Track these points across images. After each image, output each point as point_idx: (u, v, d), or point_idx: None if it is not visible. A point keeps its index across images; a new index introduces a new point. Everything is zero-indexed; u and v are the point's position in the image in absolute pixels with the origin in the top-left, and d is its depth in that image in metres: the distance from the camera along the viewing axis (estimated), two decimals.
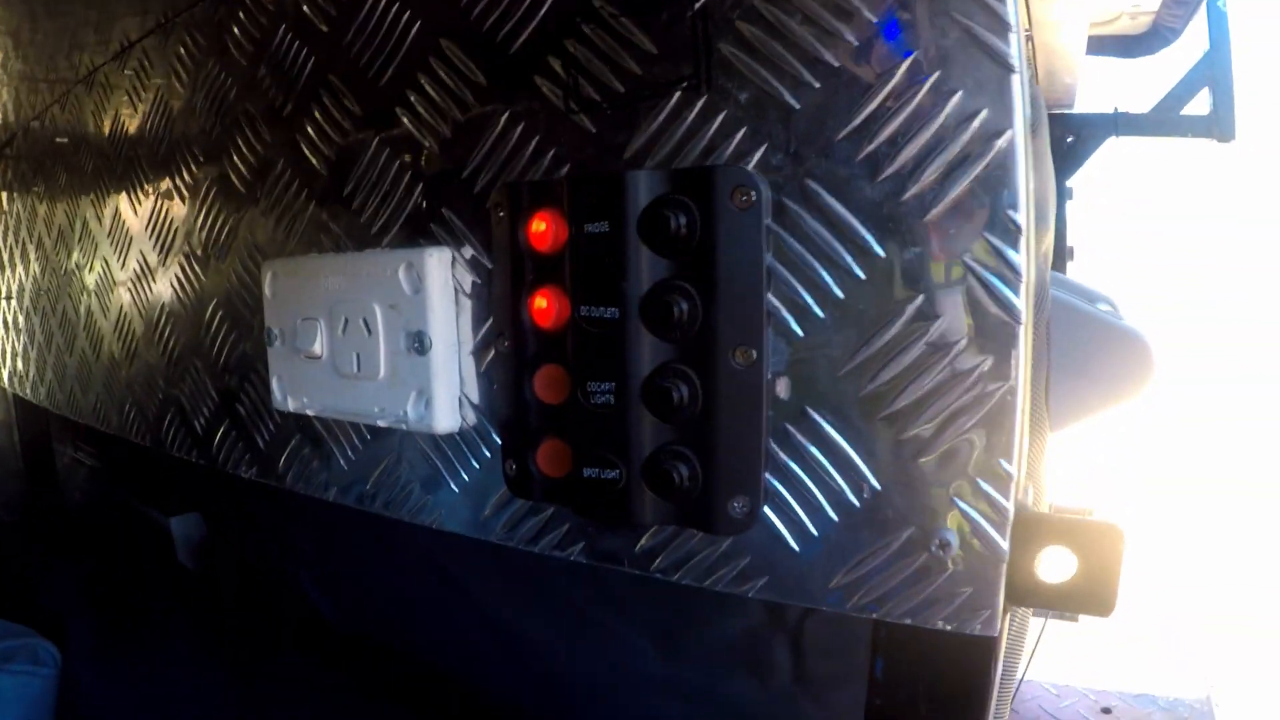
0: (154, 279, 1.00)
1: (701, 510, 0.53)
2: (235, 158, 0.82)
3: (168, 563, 1.51)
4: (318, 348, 0.69)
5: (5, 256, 1.78)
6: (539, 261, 0.56)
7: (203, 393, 0.92)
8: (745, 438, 0.52)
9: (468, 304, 0.62)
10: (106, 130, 1.17)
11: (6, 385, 1.92)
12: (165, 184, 0.96)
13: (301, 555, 1.28)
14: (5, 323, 1.83)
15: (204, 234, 0.88)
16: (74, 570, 1.50)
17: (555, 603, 0.93)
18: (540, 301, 0.56)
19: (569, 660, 0.95)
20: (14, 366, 1.82)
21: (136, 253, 1.05)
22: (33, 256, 1.63)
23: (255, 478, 0.87)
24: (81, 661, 1.25)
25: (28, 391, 1.73)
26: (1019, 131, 0.47)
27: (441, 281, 0.61)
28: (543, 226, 0.55)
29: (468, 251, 0.62)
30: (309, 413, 0.72)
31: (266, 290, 0.75)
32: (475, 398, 0.63)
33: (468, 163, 0.62)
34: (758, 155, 0.52)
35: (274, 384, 0.76)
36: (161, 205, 0.97)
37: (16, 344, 1.75)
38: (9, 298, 1.82)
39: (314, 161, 0.73)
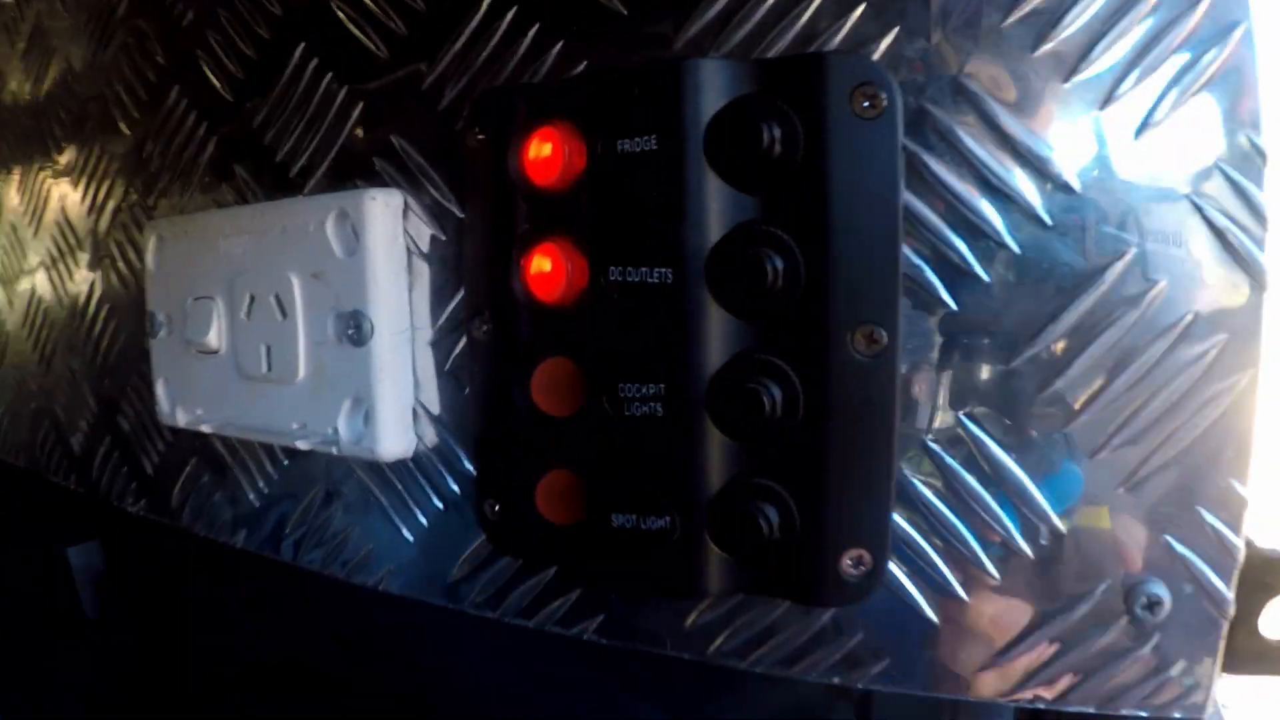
0: (23, 258, 0.79)
1: (798, 572, 0.35)
2: (119, 90, 0.62)
3: (67, 601, 1.29)
4: (213, 338, 0.49)
5: None
6: (540, 202, 0.37)
7: (80, 401, 0.71)
8: (868, 463, 0.34)
9: (425, 271, 0.43)
10: None
11: None
12: (35, 141, 0.75)
13: (211, 588, 1.07)
14: None
15: (82, 196, 0.68)
16: None
17: (545, 664, 0.73)
18: (541, 262, 0.37)
19: None
20: None
21: (5, 226, 0.84)
22: None
23: (144, 513, 0.66)
24: None
25: None
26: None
27: (388, 238, 0.41)
28: (547, 149, 0.36)
29: (427, 195, 0.43)
30: (204, 429, 0.52)
31: (149, 261, 0.55)
32: (436, 408, 0.44)
33: (430, 69, 0.42)
34: (885, 43, 0.34)
35: (159, 389, 0.56)
36: (33, 168, 0.76)
37: None
38: None
39: (216, 83, 0.53)
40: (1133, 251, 0.33)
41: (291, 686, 0.98)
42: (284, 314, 0.45)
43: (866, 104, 0.33)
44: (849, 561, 0.35)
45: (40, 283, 0.75)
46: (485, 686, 0.73)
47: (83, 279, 0.68)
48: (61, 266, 0.71)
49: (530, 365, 0.37)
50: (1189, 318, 0.33)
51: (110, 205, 0.64)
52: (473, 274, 0.39)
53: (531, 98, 0.37)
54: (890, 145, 0.33)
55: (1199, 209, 0.32)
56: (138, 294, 0.61)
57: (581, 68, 0.38)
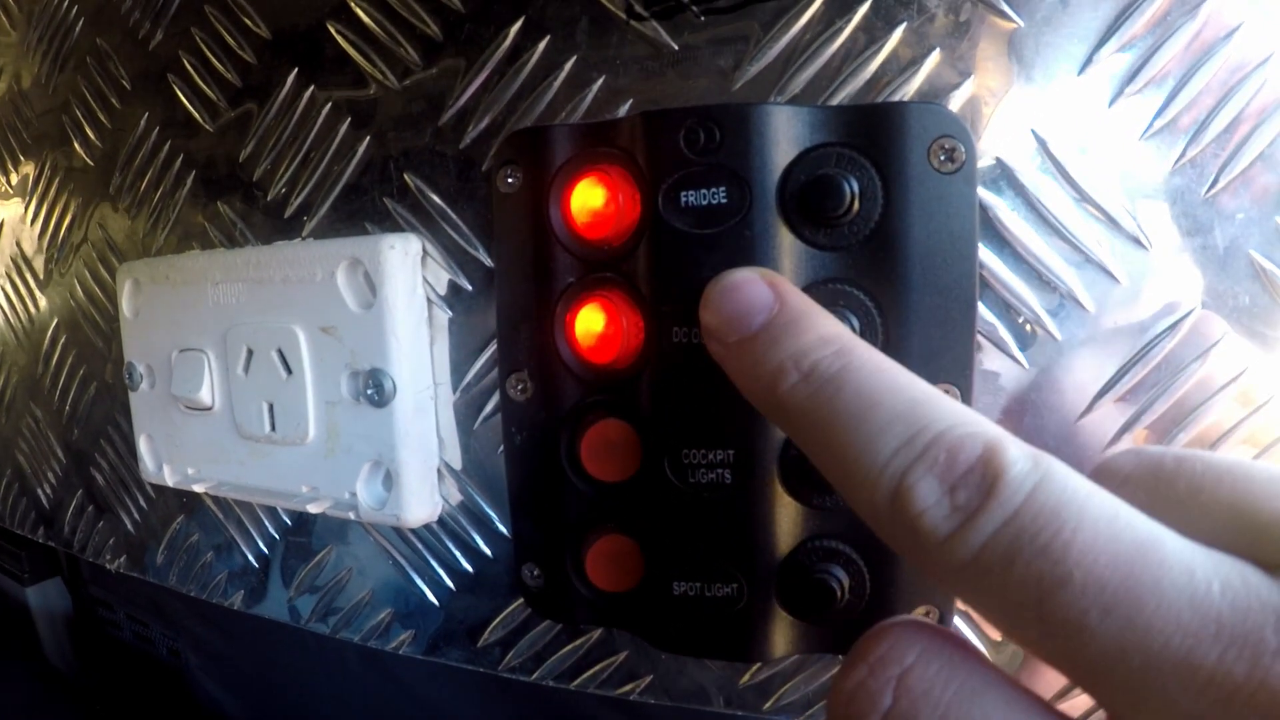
0: None
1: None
2: (80, 117, 0.58)
3: (29, 647, 1.23)
4: (206, 394, 0.46)
5: None
6: (587, 254, 0.34)
7: (45, 452, 0.67)
8: None
9: (445, 322, 0.40)
10: None
11: None
12: None
13: (191, 637, 1.01)
14: None
15: (38, 233, 0.63)
16: None
17: (546, 710, 0.70)
18: (591, 319, 0.34)
19: None
20: None
21: None
22: None
23: (124, 571, 0.62)
24: None
25: None
26: None
27: (407, 288, 0.38)
28: (597, 197, 0.33)
29: (447, 240, 0.40)
30: (196, 489, 0.49)
31: (125, 308, 0.51)
32: (460, 465, 0.41)
33: (448, 102, 0.39)
34: (961, 93, 0.32)
35: (142, 446, 0.52)
36: None
37: None
38: None
39: (195, 113, 0.49)
40: (1198, 309, 0.31)
41: None
42: (289, 370, 0.41)
43: (944, 157, 0.31)
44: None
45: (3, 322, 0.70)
46: None
47: (44, 322, 0.64)
48: (20, 307, 0.66)
49: (579, 427, 0.35)
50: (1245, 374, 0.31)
51: (73, 241, 0.60)
52: (509, 329, 0.36)
53: (577, 139, 0.34)
54: (968, 200, 0.31)
55: (1264, 268, 0.31)
56: (110, 338, 0.57)
57: (626, 107, 0.35)
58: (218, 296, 0.45)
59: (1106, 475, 0.23)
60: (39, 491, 0.69)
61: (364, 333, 0.39)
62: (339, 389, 0.40)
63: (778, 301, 0.27)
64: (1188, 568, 0.18)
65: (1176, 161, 0.31)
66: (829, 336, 0.25)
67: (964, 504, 0.20)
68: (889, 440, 0.22)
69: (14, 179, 0.65)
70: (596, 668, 0.40)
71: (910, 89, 0.32)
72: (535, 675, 0.42)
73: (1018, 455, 0.20)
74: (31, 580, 1.29)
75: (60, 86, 0.59)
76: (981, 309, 0.32)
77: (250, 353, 0.43)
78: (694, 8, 0.34)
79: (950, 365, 0.31)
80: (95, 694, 1.13)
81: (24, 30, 0.65)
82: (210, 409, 0.46)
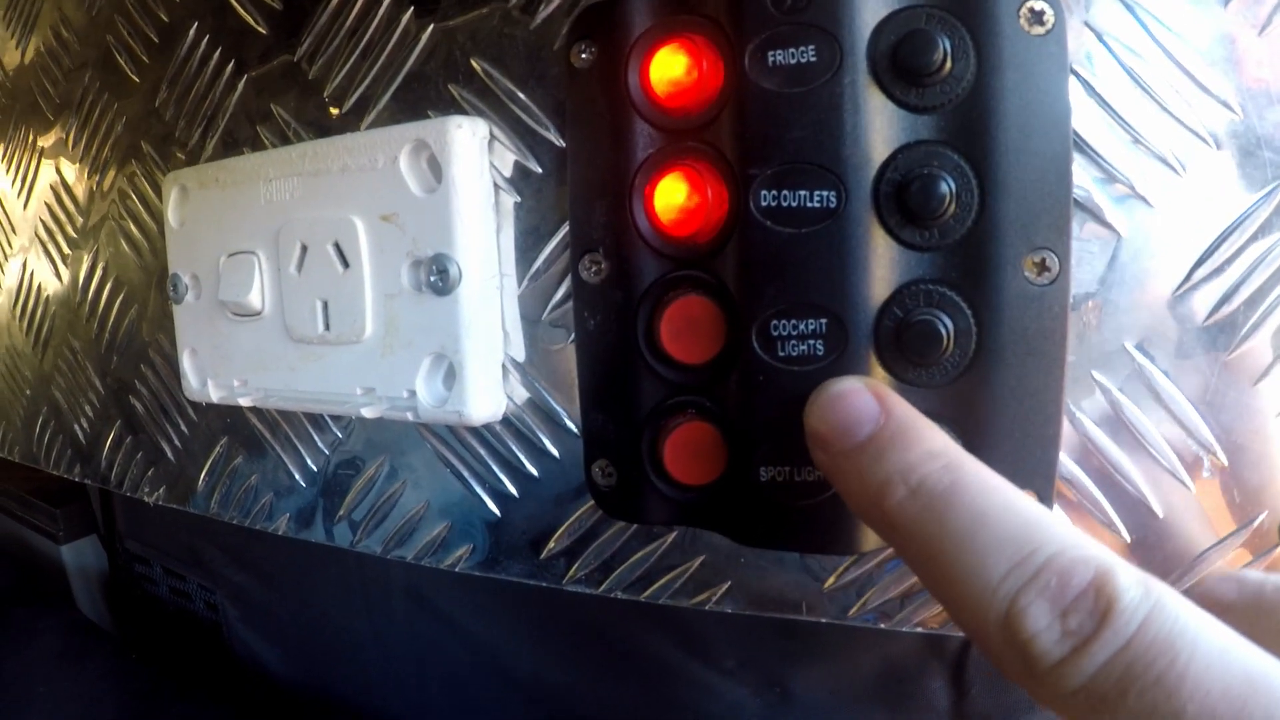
0: (12, 234, 0.73)
1: None
2: (125, 35, 0.57)
3: (63, 602, 1.23)
4: (255, 297, 0.45)
5: None
6: (668, 124, 0.33)
7: (83, 384, 0.66)
8: (1041, 399, 0.31)
9: (511, 207, 0.39)
10: None
11: None
12: (22, 105, 0.70)
13: (229, 587, 1.01)
14: None
15: (80, 157, 0.62)
16: None
17: (601, 643, 0.69)
18: (672, 191, 0.33)
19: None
20: None
21: None
22: None
23: (164, 503, 0.62)
24: None
25: None
26: None
27: (474, 171, 0.37)
28: (678, 65, 0.32)
29: (515, 122, 0.38)
30: (243, 402, 0.48)
31: (171, 217, 0.51)
32: (526, 359, 0.40)
33: None
34: None
35: (185, 361, 0.51)
36: (20, 135, 0.71)
37: None
38: None
39: (246, 16, 0.48)
40: None
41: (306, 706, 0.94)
42: (345, 264, 0.40)
43: (1035, 20, 0.30)
44: None
45: (32, 260, 0.70)
46: (544, 662, 0.69)
47: (83, 250, 0.63)
48: (59, 238, 0.66)
49: (657, 306, 0.34)
50: None
51: (115, 164, 0.59)
52: (582, 209, 0.35)
53: (655, 7, 0.33)
54: (1059, 63, 0.30)
55: None
56: (152, 260, 0.57)
57: None
58: (270, 194, 0.44)
59: (1208, 602, 0.24)
60: (76, 427, 0.69)
61: (428, 218, 0.38)
62: (399, 279, 0.39)
63: (884, 413, 0.27)
64: None
65: (1261, 30, 0.30)
66: (937, 450, 0.26)
67: (1076, 629, 0.21)
68: (1000, 561, 0.22)
69: (60, 113, 0.65)
70: (669, 576, 0.39)
71: None
72: (602, 587, 0.41)
73: (1130, 582, 0.21)
74: (67, 538, 1.30)
75: (104, 7, 0.59)
76: (1076, 175, 0.31)
77: (304, 249, 0.43)
78: None
79: (1048, 232, 0.30)
80: (132, 649, 1.14)
81: None
82: (259, 313, 0.45)
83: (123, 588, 1.25)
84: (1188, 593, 0.23)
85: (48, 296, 0.69)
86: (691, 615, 0.57)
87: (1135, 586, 0.21)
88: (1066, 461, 0.33)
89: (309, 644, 0.93)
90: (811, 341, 0.31)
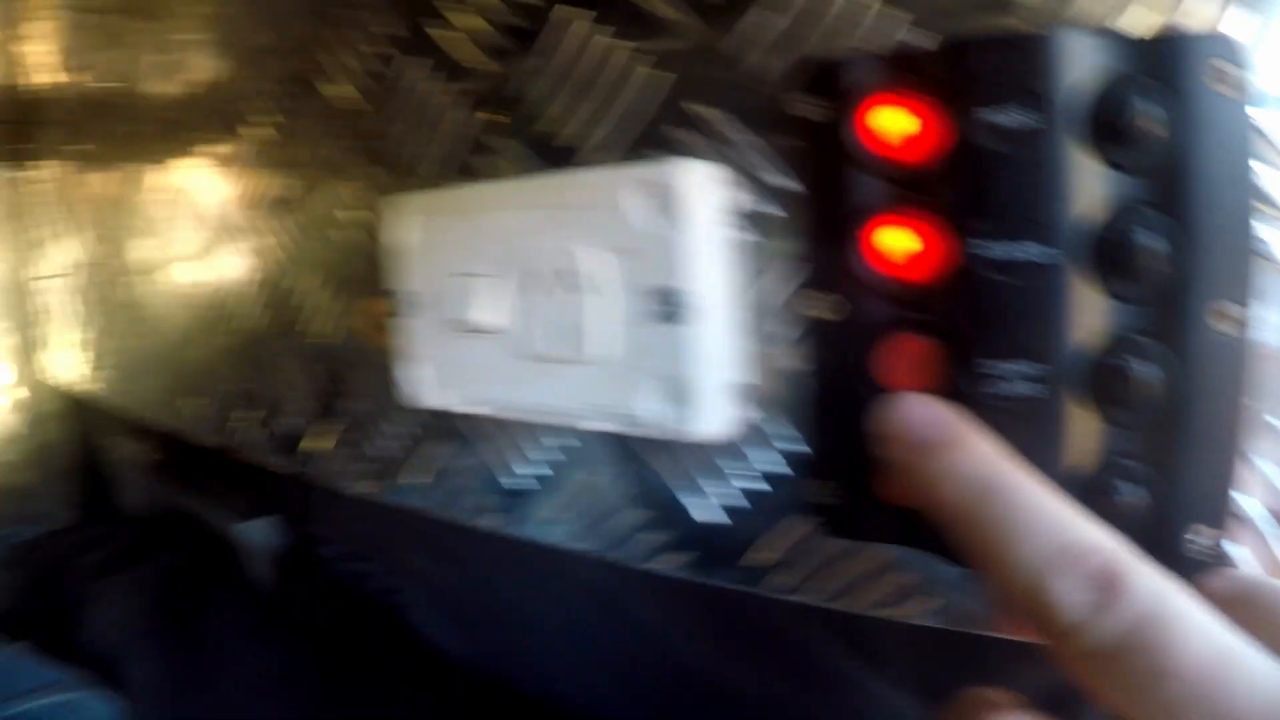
0: (224, 248, 0.84)
1: (1146, 546, 0.37)
2: (340, 59, 0.66)
3: (239, 578, 1.37)
4: (483, 316, 0.52)
5: (48, 235, 1.71)
6: (891, 175, 0.39)
7: (289, 383, 0.76)
8: (1224, 436, 0.36)
9: (738, 243, 0.45)
10: (157, 69, 1.03)
11: (50, 377, 1.86)
12: (219, 121, 0.80)
13: (415, 574, 1.12)
14: (49, 310, 1.76)
15: (288, 179, 0.72)
16: (131, 589, 1.36)
17: (773, 645, 0.76)
18: (898, 238, 0.39)
19: None
20: (60, 357, 1.75)
21: (193, 221, 0.90)
22: (79, 234, 1.54)
23: (371, 497, 0.71)
24: (145, 709, 1.11)
25: (76, 382, 1.63)
26: None
27: (704, 209, 0.44)
28: (904, 122, 0.38)
29: (738, 165, 0.45)
30: (465, 410, 0.56)
31: (393, 239, 0.59)
32: (748, 383, 0.47)
33: (732, 29, 0.45)
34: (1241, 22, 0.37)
35: (408, 370, 0.59)
36: (223, 148, 0.81)
37: (62, 331, 1.65)
38: (51, 281, 1.75)
39: (457, 54, 0.57)
40: None
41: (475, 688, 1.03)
42: (575, 290, 0.48)
43: (1226, 82, 0.35)
44: (1192, 537, 0.36)
45: (239, 262, 0.80)
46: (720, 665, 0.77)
47: (292, 256, 0.73)
48: (273, 243, 0.75)
49: (879, 342, 0.40)
50: None
51: (329, 180, 0.68)
52: (811, 248, 0.41)
53: (882, 68, 0.39)
54: (1245, 124, 0.34)
55: None
56: (365, 270, 0.66)
57: (904, 32, 0.40)
58: (499, 223, 0.51)
59: (1206, 592, 0.30)
60: (275, 423, 0.79)
61: (659, 252, 0.44)
62: (628, 308, 0.45)
63: (945, 419, 0.35)
64: (1262, 671, 0.26)
65: None
66: (986, 454, 0.34)
67: (1089, 601, 0.28)
68: (1035, 546, 0.30)
69: (256, 128, 0.75)
70: (883, 587, 0.45)
71: (1193, 16, 0.36)
72: (816, 597, 0.47)
73: (1140, 569, 0.28)
74: (250, 516, 1.44)
75: (312, 37, 0.68)
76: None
77: (533, 276, 0.50)
78: None
79: (1233, 282, 0.35)
80: (308, 625, 1.26)
81: None
82: (490, 331, 0.53)
83: (301, 568, 1.38)
84: (1188, 584, 0.29)
85: (257, 297, 0.79)
86: (865, 622, 0.63)
87: (1139, 571, 0.28)
88: (1243, 499, 0.38)
89: (493, 632, 1.03)
90: (1021, 382, 0.37)
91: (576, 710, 0.95)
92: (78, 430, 2.11)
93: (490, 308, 0.52)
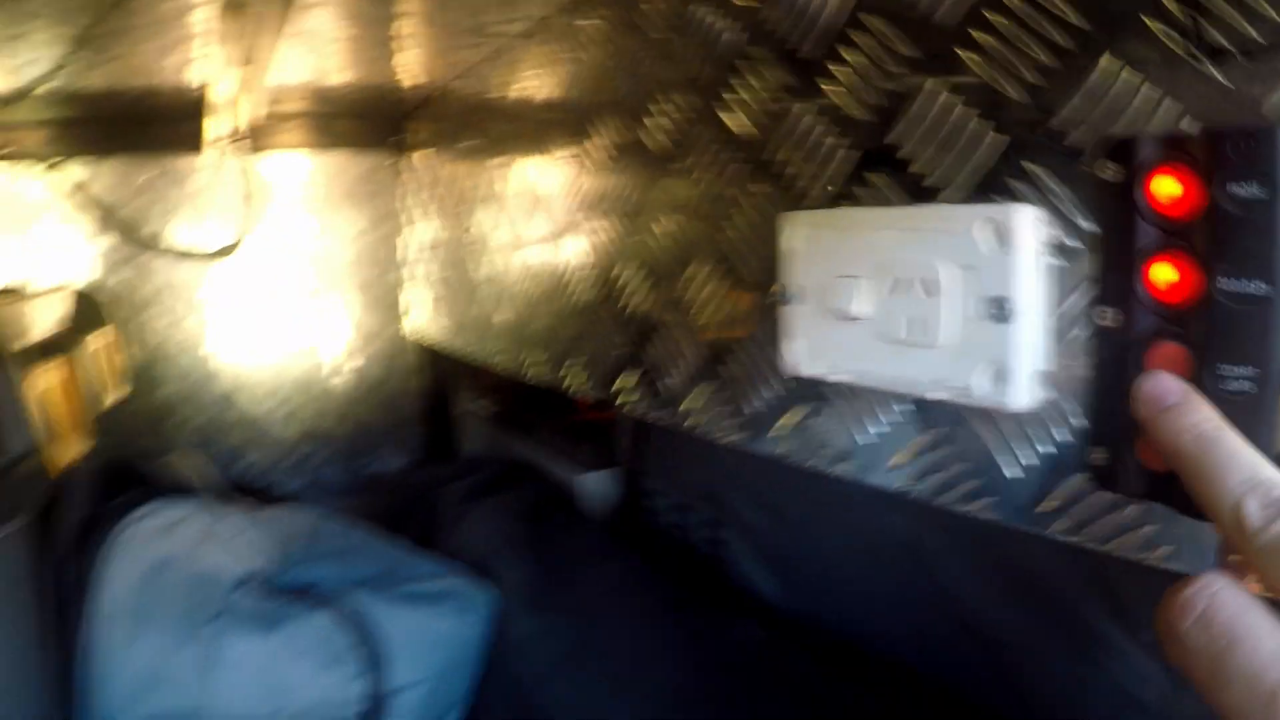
0: (570, 236, 1.14)
1: None
2: (740, 96, 0.92)
3: (579, 521, 1.70)
4: (857, 308, 0.76)
5: (416, 213, 2.10)
6: (1163, 225, 0.59)
7: (677, 351, 1.04)
8: None
9: (1051, 268, 0.67)
10: (522, 93, 1.39)
11: (411, 333, 2.26)
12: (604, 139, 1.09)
13: (739, 523, 1.40)
14: (414, 276, 2.16)
15: (697, 178, 1.00)
16: (495, 512, 1.71)
17: (1051, 606, 0.97)
18: (1163, 272, 0.59)
19: (1066, 681, 0.99)
20: (420, 316, 2.14)
21: (545, 210, 1.22)
22: (440, 214, 1.93)
23: (739, 445, 0.96)
24: (514, 607, 1.43)
25: (432, 337, 2.00)
26: None
27: (1031, 242, 0.65)
28: (1172, 186, 0.58)
29: (1055, 210, 0.66)
30: (832, 379, 0.80)
31: (786, 245, 0.83)
32: (1051, 369, 0.67)
33: (1057, 111, 0.66)
34: None
35: (788, 346, 0.83)
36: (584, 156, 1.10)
37: (424, 296, 2.05)
38: (417, 253, 2.17)
39: (851, 110, 0.81)
40: None
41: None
42: (928, 294, 0.71)
43: None
44: None
45: (581, 246, 1.09)
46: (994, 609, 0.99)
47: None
48: (609, 236, 1.03)
49: (1146, 347, 0.59)
50: None
51: (729, 192, 0.95)
52: (1103, 276, 0.62)
53: (1158, 145, 0.58)
54: None
55: None
56: (761, 274, 0.92)
57: (1183, 122, 0.59)
58: (874, 239, 0.74)
59: None
60: (665, 381, 1.07)
61: (995, 270, 0.64)
62: (969, 309, 0.66)
63: (1183, 388, 0.55)
64: None
65: None
66: (1207, 414, 0.53)
67: (1270, 514, 0.45)
68: (1237, 478, 0.48)
69: (687, 150, 1.03)
70: (1131, 534, 0.63)
71: None
72: (1079, 537, 0.67)
73: None
74: (590, 468, 1.77)
75: (720, 75, 0.95)
76: None
77: (896, 281, 0.73)
78: (1236, 53, 0.58)
79: None
80: (644, 555, 1.57)
81: (665, 34, 1.01)
82: (858, 319, 0.76)
83: (631, 516, 1.69)
84: None
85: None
86: (1129, 588, 0.83)
87: None
88: None
89: (808, 576, 1.28)
90: (1246, 381, 0.56)
91: (874, 648, 1.19)
92: (429, 382, 2.56)
93: (864, 302, 0.76)
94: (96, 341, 1.78)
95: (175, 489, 1.53)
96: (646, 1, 1.05)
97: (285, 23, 1.34)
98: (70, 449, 1.33)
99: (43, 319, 1.52)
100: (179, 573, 1.28)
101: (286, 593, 1.33)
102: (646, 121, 1.03)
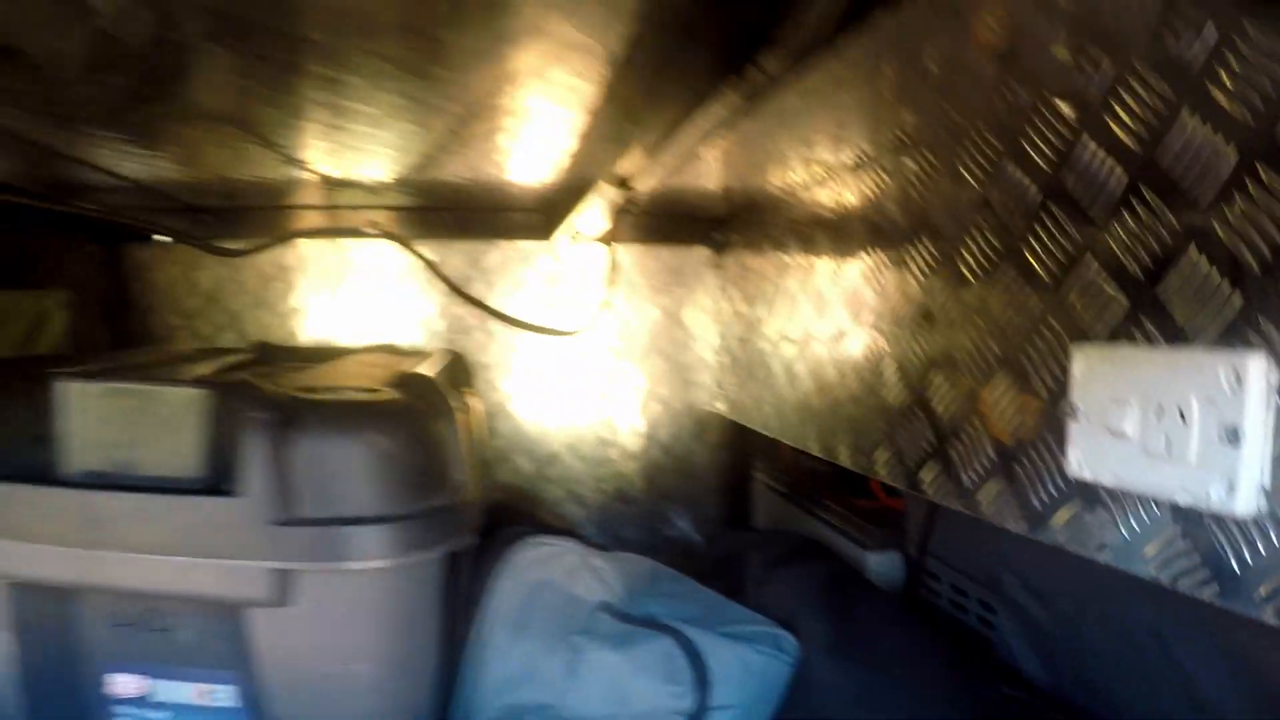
0: (853, 334, 1.38)
1: None
2: (1049, 247, 1.15)
3: (874, 591, 1.95)
4: (1128, 428, 0.98)
5: (725, 304, 2.44)
6: None
7: (977, 450, 1.27)
8: None
9: (1276, 407, 0.87)
10: (841, 209, 1.64)
11: (717, 410, 2.60)
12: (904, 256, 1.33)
13: (1010, 604, 1.60)
14: (724, 358, 2.50)
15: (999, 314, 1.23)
16: (799, 577, 1.98)
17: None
18: None
19: None
20: (727, 395, 2.47)
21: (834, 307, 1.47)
22: (746, 302, 2.26)
23: (1023, 532, 1.18)
24: (814, 655, 1.69)
25: (736, 414, 2.31)
26: None
27: (1261, 386, 0.86)
28: None
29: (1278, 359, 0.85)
30: (1103, 483, 1.02)
31: (1076, 371, 1.06)
32: (1270, 488, 0.87)
33: None
34: None
35: (1072, 453, 1.05)
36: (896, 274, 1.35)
37: (731, 377, 2.38)
38: (725, 337, 2.52)
39: (1126, 264, 1.03)
40: None
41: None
42: (1184, 420, 0.92)
43: None
44: None
45: (864, 342, 1.34)
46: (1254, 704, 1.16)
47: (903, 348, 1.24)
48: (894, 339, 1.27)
49: None
50: None
51: (1028, 322, 1.18)
52: None
53: None
54: None
55: None
56: (1052, 389, 1.14)
57: None
58: (1144, 373, 0.94)
59: None
60: (965, 474, 1.30)
61: (1232, 405, 0.84)
62: (1211, 434, 0.88)
63: None
64: None
65: None
66: None
67: None
68: None
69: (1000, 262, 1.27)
70: None
71: None
72: None
73: None
74: (875, 549, 2.03)
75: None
76: None
77: (1160, 407, 0.94)
78: None
79: None
80: (936, 631, 1.80)
81: (982, 183, 1.26)
82: (1127, 437, 0.98)
83: (911, 593, 1.93)
84: None
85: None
86: None
87: None
88: None
89: (1066, 654, 1.48)
90: None
91: None
92: (728, 457, 2.90)
93: (1133, 422, 0.97)
94: (474, 396, 2.15)
95: (546, 528, 1.89)
96: (965, 150, 1.28)
97: (662, 151, 1.66)
98: (474, 487, 1.68)
99: (440, 375, 1.90)
100: (554, 593, 1.61)
101: (633, 619, 1.64)
102: (963, 250, 1.26)
